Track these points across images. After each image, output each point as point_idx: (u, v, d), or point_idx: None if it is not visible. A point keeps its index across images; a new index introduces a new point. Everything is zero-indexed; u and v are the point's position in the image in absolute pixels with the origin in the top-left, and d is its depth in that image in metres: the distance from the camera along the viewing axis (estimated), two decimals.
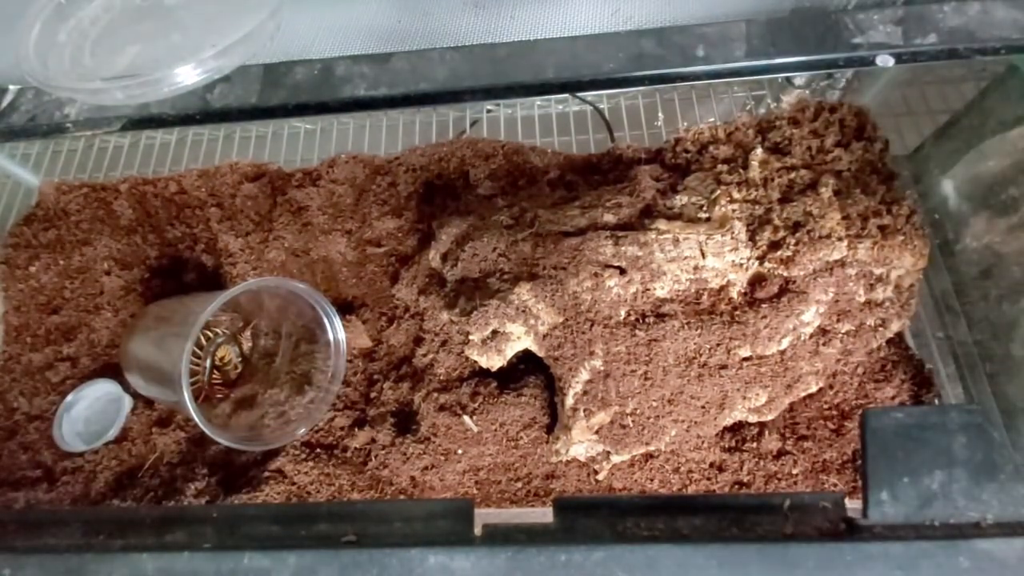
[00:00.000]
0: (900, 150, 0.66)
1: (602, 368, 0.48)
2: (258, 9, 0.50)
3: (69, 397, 0.57)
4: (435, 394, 0.53)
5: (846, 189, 0.51)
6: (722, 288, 0.50)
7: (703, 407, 0.48)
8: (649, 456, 0.50)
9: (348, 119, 0.74)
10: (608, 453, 0.48)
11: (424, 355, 0.55)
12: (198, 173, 0.68)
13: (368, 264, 0.62)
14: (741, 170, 0.53)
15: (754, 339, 0.48)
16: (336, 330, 0.55)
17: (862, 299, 0.49)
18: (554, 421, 0.51)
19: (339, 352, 0.55)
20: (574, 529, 0.29)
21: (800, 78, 0.71)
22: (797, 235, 0.49)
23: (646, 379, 0.48)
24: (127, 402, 0.57)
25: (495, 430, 0.51)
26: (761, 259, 0.51)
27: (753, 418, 0.50)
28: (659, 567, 0.26)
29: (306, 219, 0.63)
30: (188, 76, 0.50)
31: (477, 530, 0.29)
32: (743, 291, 0.51)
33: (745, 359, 0.48)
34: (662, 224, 0.51)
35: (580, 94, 0.69)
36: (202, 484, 0.52)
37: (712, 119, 0.64)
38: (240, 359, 0.59)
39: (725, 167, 0.53)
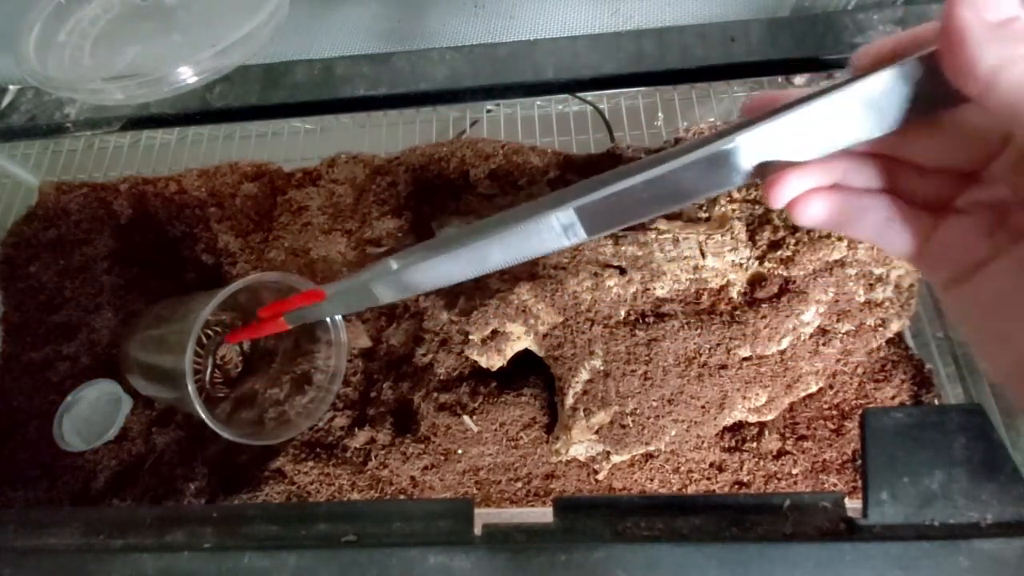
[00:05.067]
0: None
1: (602, 368, 0.48)
2: (258, 9, 0.50)
3: (69, 397, 0.57)
4: (435, 394, 0.53)
5: None
6: (722, 288, 0.50)
7: (703, 407, 0.48)
8: (649, 456, 0.50)
9: (348, 119, 0.74)
10: (608, 453, 0.48)
11: (424, 355, 0.55)
12: (198, 173, 0.68)
13: (368, 264, 0.62)
14: None
15: (754, 339, 0.48)
16: (336, 329, 0.55)
17: (862, 299, 0.49)
18: (554, 421, 0.51)
19: (339, 352, 0.55)
20: (574, 529, 0.29)
21: (800, 78, 0.71)
22: (797, 235, 0.49)
23: (646, 379, 0.48)
24: (127, 402, 0.57)
25: (495, 430, 0.51)
26: (761, 259, 0.51)
27: (753, 418, 0.50)
28: (659, 567, 0.27)
29: (306, 219, 0.63)
30: (188, 76, 0.50)
31: (477, 530, 0.29)
32: (743, 291, 0.51)
33: (745, 359, 0.49)
34: (662, 224, 0.51)
35: (580, 94, 0.69)
36: (202, 483, 0.52)
37: (712, 119, 0.64)
38: (240, 358, 0.59)
39: None
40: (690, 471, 0.50)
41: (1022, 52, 0.18)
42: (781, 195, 0.24)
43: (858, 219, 0.24)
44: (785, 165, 0.23)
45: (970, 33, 0.18)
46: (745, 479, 0.49)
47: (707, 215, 0.52)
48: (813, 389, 0.50)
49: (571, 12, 0.66)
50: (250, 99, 0.62)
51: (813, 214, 0.24)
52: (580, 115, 0.72)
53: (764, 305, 0.49)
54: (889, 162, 0.24)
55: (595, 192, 0.24)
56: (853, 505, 0.28)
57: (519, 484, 0.50)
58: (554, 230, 0.25)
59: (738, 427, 0.51)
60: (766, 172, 0.23)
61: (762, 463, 0.49)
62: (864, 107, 0.21)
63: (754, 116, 0.23)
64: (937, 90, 0.20)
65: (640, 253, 0.50)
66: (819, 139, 0.22)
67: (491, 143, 0.64)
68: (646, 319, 0.49)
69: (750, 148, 0.22)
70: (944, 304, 0.25)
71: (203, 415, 0.45)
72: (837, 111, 0.21)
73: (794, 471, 0.49)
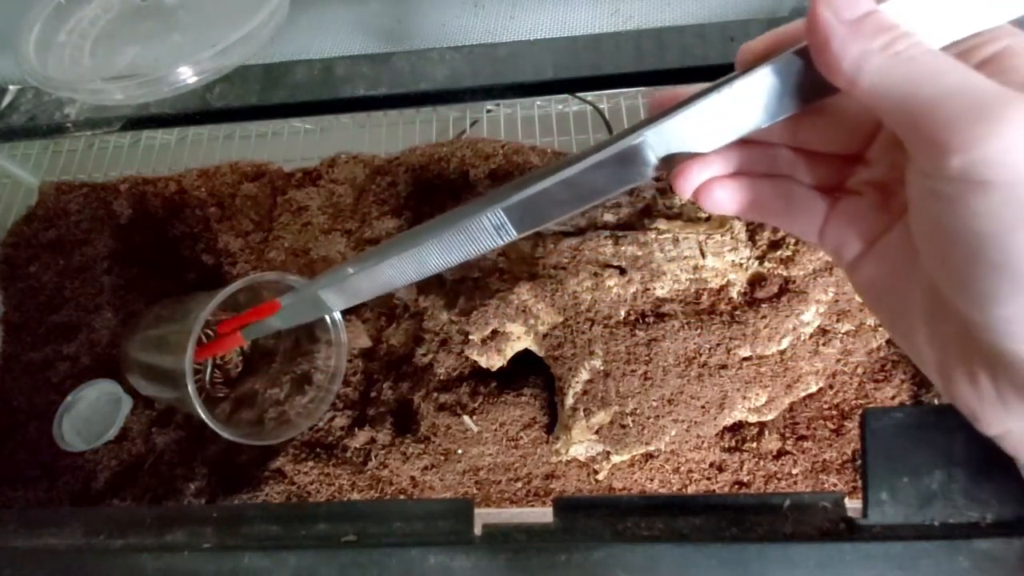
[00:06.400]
0: None
1: (602, 368, 0.48)
2: (258, 9, 0.50)
3: (69, 397, 0.57)
4: (435, 394, 0.53)
5: None
6: (722, 288, 0.50)
7: (703, 407, 0.48)
8: (649, 456, 0.50)
9: (348, 119, 0.74)
10: (608, 453, 0.48)
11: (424, 355, 0.55)
12: (198, 173, 0.68)
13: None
14: None
15: (754, 339, 0.48)
16: (336, 329, 0.55)
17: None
18: (554, 421, 0.51)
19: (339, 352, 0.55)
20: (574, 529, 0.29)
21: None
22: None
23: (646, 379, 0.48)
24: (127, 402, 0.57)
25: (495, 430, 0.51)
26: (761, 259, 0.51)
27: (753, 418, 0.50)
28: (659, 567, 0.27)
29: (306, 219, 0.63)
30: (188, 76, 0.50)
31: (477, 530, 0.29)
32: (743, 291, 0.51)
33: (745, 359, 0.49)
34: (662, 224, 0.51)
35: (580, 94, 0.69)
36: (202, 483, 0.52)
37: None
38: (240, 358, 0.59)
39: None
40: (690, 471, 0.50)
41: (877, 45, 0.19)
42: (686, 185, 0.25)
43: (759, 203, 0.26)
44: (688, 157, 0.24)
45: (831, 32, 0.20)
46: (745, 479, 0.49)
47: (707, 215, 0.52)
48: (813, 389, 0.50)
49: (571, 12, 0.66)
50: (250, 99, 0.62)
51: (716, 200, 0.25)
52: (580, 115, 0.72)
53: (764, 305, 0.49)
54: (783, 149, 0.26)
55: (521, 192, 0.26)
56: (853, 505, 0.28)
57: (519, 484, 0.50)
58: (487, 230, 0.27)
59: (738, 427, 0.51)
60: (672, 164, 0.24)
61: (762, 463, 0.49)
62: (751, 99, 0.22)
63: (657, 113, 0.25)
64: (814, 80, 0.21)
65: (640, 253, 0.50)
66: (714, 131, 0.23)
67: (491, 143, 0.64)
68: (646, 319, 0.49)
69: (655, 143, 0.24)
70: (851, 285, 0.26)
71: (203, 415, 0.45)
72: (728, 104, 0.23)
73: (794, 471, 0.49)
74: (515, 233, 0.27)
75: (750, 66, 0.23)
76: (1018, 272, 0.18)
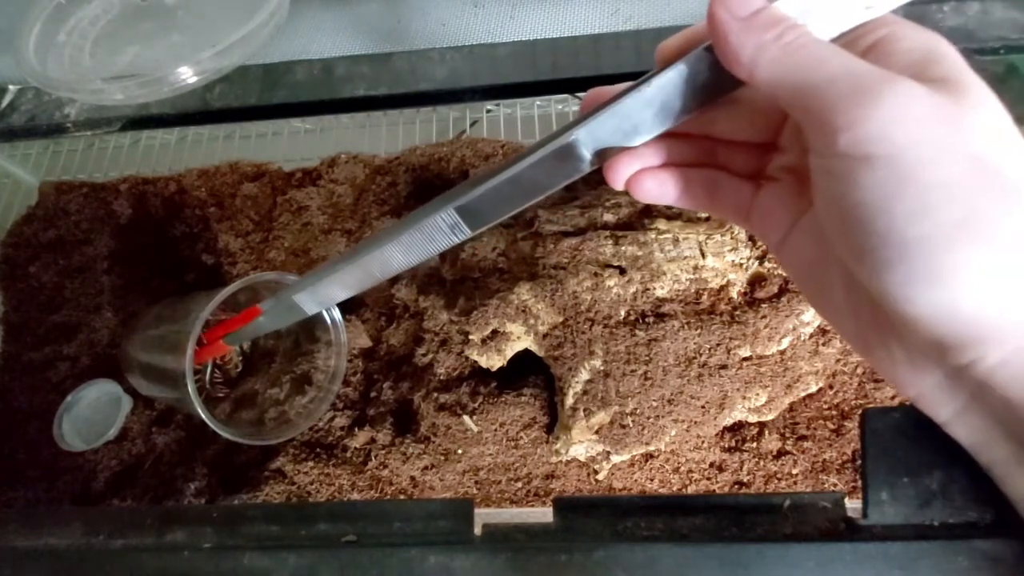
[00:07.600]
0: None
1: (602, 368, 0.48)
2: (258, 9, 0.50)
3: (69, 397, 0.57)
4: (435, 394, 0.53)
5: None
6: (722, 288, 0.50)
7: (703, 407, 0.48)
8: (649, 456, 0.50)
9: (348, 119, 0.74)
10: (608, 453, 0.48)
11: (424, 355, 0.55)
12: (198, 173, 0.68)
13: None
14: None
15: (754, 339, 0.48)
16: (336, 329, 0.55)
17: None
18: (554, 421, 0.51)
19: (339, 352, 0.55)
20: (574, 529, 0.29)
21: None
22: None
23: (646, 379, 0.48)
24: (127, 402, 0.57)
25: (495, 430, 0.51)
26: (761, 259, 0.51)
27: (753, 418, 0.50)
28: (659, 567, 0.26)
29: (306, 219, 0.63)
30: (188, 76, 0.50)
31: (477, 530, 0.29)
32: (743, 291, 0.51)
33: (745, 359, 0.49)
34: (662, 224, 0.51)
35: (580, 94, 0.69)
36: (202, 483, 0.52)
37: None
38: (240, 358, 0.59)
39: None
40: (690, 471, 0.50)
41: (770, 37, 0.21)
42: (617, 177, 0.27)
43: (688, 192, 0.28)
44: (619, 151, 0.25)
45: (728, 28, 0.21)
46: (745, 479, 0.49)
47: (707, 215, 0.52)
48: (813, 389, 0.50)
49: (571, 12, 0.66)
50: (250, 99, 0.62)
51: (646, 189, 0.27)
52: None
53: (764, 305, 0.49)
54: (706, 140, 0.28)
55: (471, 192, 0.27)
56: (853, 505, 0.28)
57: (519, 484, 0.51)
58: (442, 230, 0.28)
59: (738, 427, 0.51)
60: (604, 158, 0.26)
61: (762, 463, 0.49)
62: (668, 95, 0.24)
63: (589, 110, 0.26)
64: (723, 74, 0.23)
65: (640, 253, 0.50)
66: (638, 126, 0.25)
67: (491, 143, 0.64)
68: (646, 319, 0.49)
69: (585, 140, 0.25)
70: (779, 265, 0.28)
71: (203, 415, 0.45)
72: (647, 101, 0.24)
73: (794, 471, 0.49)
74: (469, 231, 0.28)
75: (667, 63, 0.24)
76: (902, 238, 0.19)
